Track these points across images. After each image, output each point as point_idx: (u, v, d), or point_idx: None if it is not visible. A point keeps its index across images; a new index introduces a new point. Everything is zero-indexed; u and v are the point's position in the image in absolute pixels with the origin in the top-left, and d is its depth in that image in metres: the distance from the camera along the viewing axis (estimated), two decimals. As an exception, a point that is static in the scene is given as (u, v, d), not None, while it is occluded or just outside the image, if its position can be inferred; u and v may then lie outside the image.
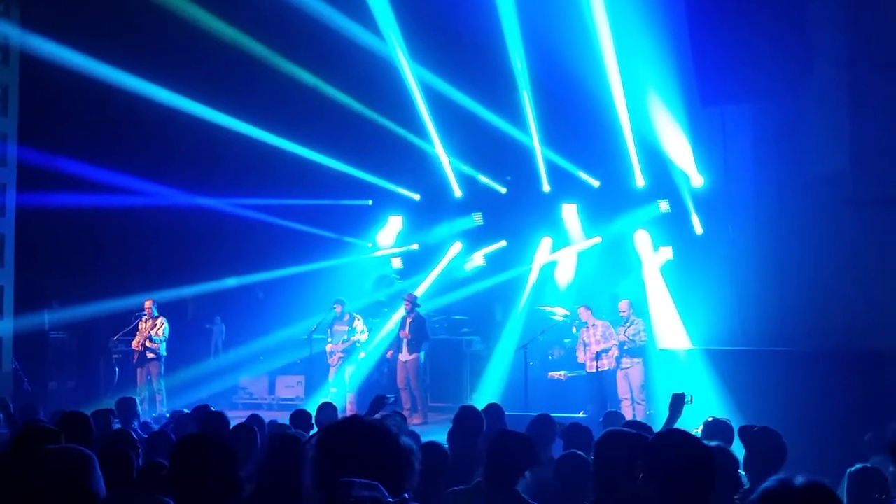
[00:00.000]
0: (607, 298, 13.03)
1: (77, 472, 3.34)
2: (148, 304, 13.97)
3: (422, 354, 13.86)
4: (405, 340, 13.81)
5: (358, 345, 14.09)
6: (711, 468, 3.26)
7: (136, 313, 14.17)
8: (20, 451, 4.50)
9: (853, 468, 5.17)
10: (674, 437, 3.47)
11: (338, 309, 14.09)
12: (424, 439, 5.54)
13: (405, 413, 11.82)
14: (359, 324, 14.19)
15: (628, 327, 12.34)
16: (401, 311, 14.48)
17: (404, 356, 13.84)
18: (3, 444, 5.37)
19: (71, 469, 3.34)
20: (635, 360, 12.33)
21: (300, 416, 7.77)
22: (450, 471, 5.16)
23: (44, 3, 13.54)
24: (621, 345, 12.32)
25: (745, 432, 5.52)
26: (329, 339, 14.12)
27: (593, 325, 12.64)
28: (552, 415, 7.05)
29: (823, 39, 11.66)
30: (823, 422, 9.32)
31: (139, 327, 13.95)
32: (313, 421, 7.68)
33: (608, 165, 14.71)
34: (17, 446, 4.60)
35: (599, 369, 12.40)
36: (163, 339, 13.83)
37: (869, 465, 5.35)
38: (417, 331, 13.82)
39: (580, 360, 12.74)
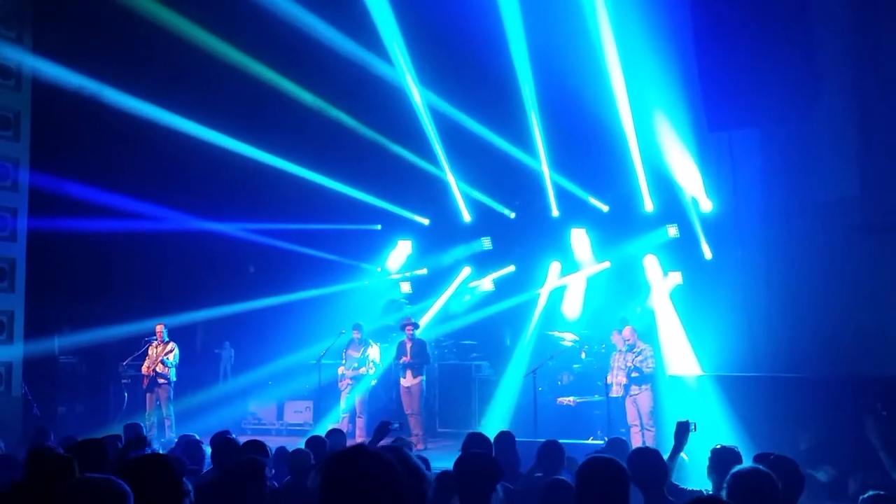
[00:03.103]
0: (618, 323, 12.99)
1: None
2: (160, 328, 14.02)
3: (424, 378, 13.85)
4: (407, 365, 13.79)
5: (368, 373, 14.09)
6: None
7: (145, 338, 14.21)
8: (34, 483, 4.40)
9: (866, 495, 5.13)
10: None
11: (356, 335, 14.11)
12: (433, 466, 5.52)
13: (412, 440, 11.76)
14: (373, 352, 14.18)
15: (636, 356, 12.25)
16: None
17: (408, 381, 13.82)
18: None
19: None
20: (644, 386, 12.24)
21: (315, 443, 7.72)
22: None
23: (56, 29, 13.66)
24: (628, 372, 12.23)
25: (760, 461, 5.46)
26: (343, 363, 14.13)
27: (620, 350, 12.50)
28: (561, 441, 7.01)
29: (831, 64, 11.68)
30: (835, 448, 9.25)
31: (149, 352, 13.98)
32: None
33: (617, 190, 14.71)
34: (31, 477, 4.48)
35: (609, 395, 12.34)
36: (174, 363, 13.87)
37: (882, 493, 5.30)
38: (418, 354, 13.81)
39: (609, 382, 12.51)
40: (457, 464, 4.86)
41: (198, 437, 8.36)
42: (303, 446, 7.55)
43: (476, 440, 6.63)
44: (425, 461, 6.48)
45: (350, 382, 13.99)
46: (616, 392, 12.30)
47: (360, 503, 2.39)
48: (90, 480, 3.37)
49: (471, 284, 16.33)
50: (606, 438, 11.41)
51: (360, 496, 2.41)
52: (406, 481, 2.48)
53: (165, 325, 14.11)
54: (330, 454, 2.61)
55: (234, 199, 16.33)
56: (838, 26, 11.79)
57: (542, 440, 7.32)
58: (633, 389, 12.23)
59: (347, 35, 13.50)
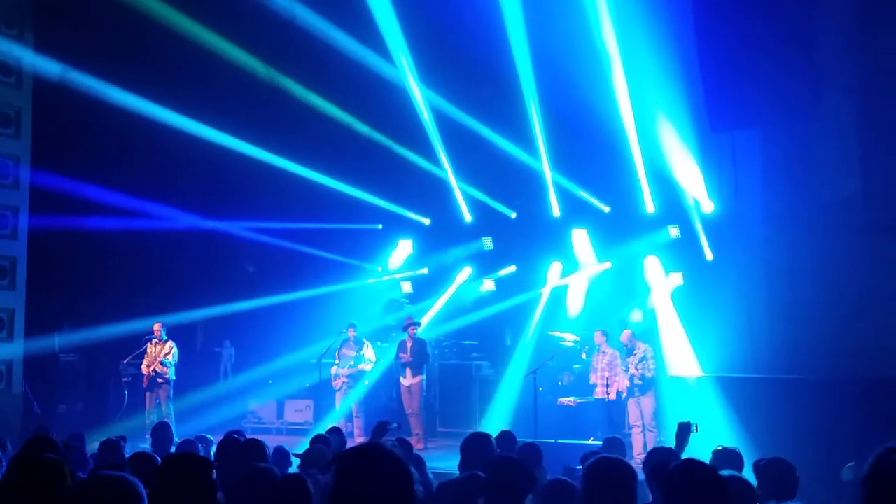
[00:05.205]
0: (616, 324, 12.98)
1: None
2: (157, 326, 14.00)
3: (424, 377, 13.82)
4: (407, 364, 13.77)
5: (364, 372, 14.07)
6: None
7: (145, 336, 14.20)
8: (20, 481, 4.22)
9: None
10: (692, 467, 3.50)
11: (350, 333, 14.10)
12: (433, 465, 5.50)
13: (412, 439, 11.75)
14: (368, 351, 14.16)
15: (639, 362, 12.20)
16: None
17: (408, 380, 13.79)
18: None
19: None
20: (648, 389, 12.23)
21: (321, 441, 7.68)
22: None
23: (57, 26, 13.66)
24: (631, 379, 12.21)
25: (757, 463, 5.46)
26: (336, 362, 14.10)
27: (603, 351, 12.61)
28: (561, 441, 7.01)
29: (834, 64, 11.66)
30: (835, 451, 9.21)
31: (147, 350, 13.97)
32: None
33: (618, 191, 14.69)
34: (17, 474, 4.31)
35: (609, 398, 12.34)
36: (172, 362, 13.85)
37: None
38: (419, 353, 13.78)
39: (592, 382, 12.67)
40: (492, 468, 4.63)
41: (211, 438, 8.30)
42: (308, 445, 7.54)
43: (476, 439, 6.59)
44: (421, 461, 6.47)
45: (346, 381, 13.98)
46: (600, 393, 12.37)
47: (372, 499, 2.39)
48: (102, 479, 3.16)
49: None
50: (593, 439, 11.47)
51: (372, 492, 2.41)
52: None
53: (163, 324, 14.08)
54: (343, 450, 2.60)
55: (235, 197, 16.34)
56: (841, 26, 11.76)
57: (543, 441, 7.32)
58: (636, 392, 12.21)
59: (349, 34, 13.49)
